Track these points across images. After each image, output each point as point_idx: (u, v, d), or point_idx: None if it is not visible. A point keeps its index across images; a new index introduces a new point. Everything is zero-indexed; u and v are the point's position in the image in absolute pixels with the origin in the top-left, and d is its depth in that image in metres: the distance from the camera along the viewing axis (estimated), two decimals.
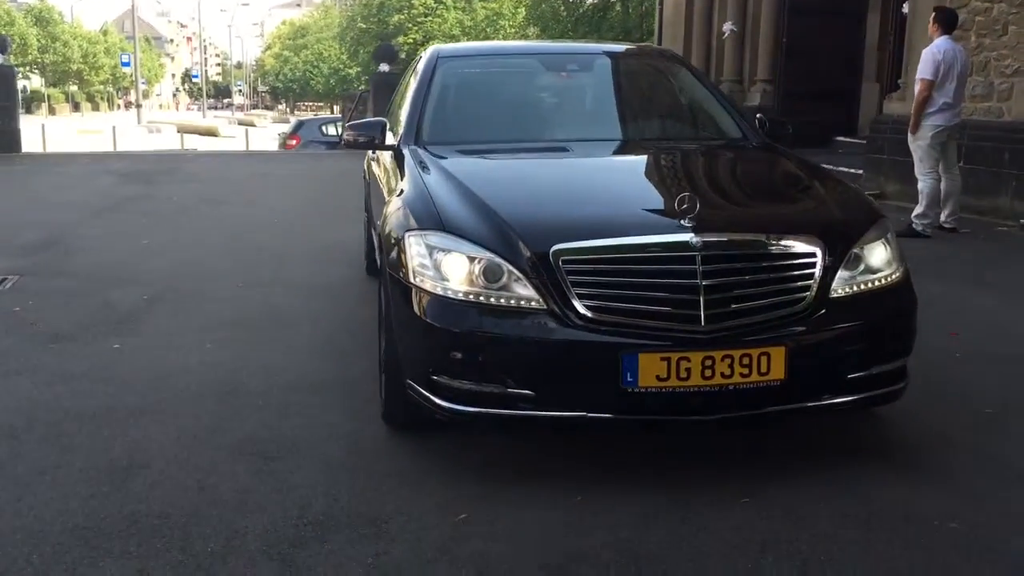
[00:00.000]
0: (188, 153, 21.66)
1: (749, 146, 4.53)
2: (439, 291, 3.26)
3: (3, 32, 57.08)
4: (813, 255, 3.30)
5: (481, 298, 3.21)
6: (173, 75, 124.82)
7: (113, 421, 3.86)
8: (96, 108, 77.82)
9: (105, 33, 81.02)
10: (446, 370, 3.24)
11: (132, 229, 8.78)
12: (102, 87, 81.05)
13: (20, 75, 67.86)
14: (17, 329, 5.32)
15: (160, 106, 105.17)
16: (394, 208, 3.75)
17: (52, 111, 66.43)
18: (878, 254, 3.50)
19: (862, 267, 3.44)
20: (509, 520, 3.01)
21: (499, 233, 3.29)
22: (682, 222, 3.23)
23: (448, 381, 3.24)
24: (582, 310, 3.13)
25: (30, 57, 64.90)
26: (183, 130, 37.10)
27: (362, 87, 41.87)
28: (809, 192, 3.85)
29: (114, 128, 28.08)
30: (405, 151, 4.29)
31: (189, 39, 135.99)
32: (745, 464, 3.45)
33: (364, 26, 55.41)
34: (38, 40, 64.29)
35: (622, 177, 4.05)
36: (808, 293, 3.26)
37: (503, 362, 3.20)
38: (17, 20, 61.88)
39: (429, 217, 3.47)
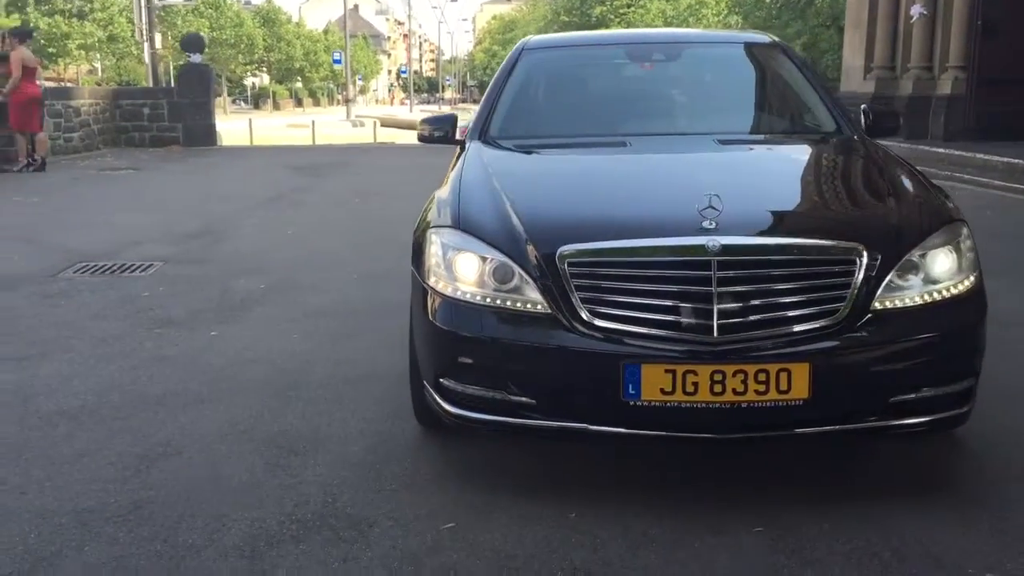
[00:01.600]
0: (370, 146, 22.41)
1: (834, 141, 4.14)
2: (449, 291, 3.16)
3: (236, 33, 61.73)
4: (851, 262, 2.96)
5: (488, 300, 3.09)
6: (389, 71, 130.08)
7: (171, 407, 4.00)
8: (317, 103, 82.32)
9: (326, 32, 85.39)
10: (453, 374, 3.15)
11: (282, 220, 9.19)
12: (322, 83, 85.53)
13: (248, 73, 73.20)
14: (135, 314, 5.64)
15: (376, 101, 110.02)
16: (429, 204, 3.69)
17: (277, 106, 70.83)
18: (941, 262, 3.11)
19: (920, 276, 3.06)
20: (496, 533, 2.88)
21: (511, 233, 3.15)
22: (703, 224, 2.98)
23: (454, 385, 3.14)
24: (586, 316, 2.95)
25: (257, 56, 69.32)
26: (385, 124, 38.53)
27: None
28: (871, 192, 3.45)
29: (313, 123, 29.51)
30: (469, 145, 4.22)
31: (405, 36, 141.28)
32: (760, 487, 3.16)
33: (567, 19, 55.85)
34: (264, 40, 68.51)
35: (665, 175, 3.78)
36: (842, 304, 2.93)
37: (506, 368, 3.06)
38: (246, 21, 66.25)
39: (451, 214, 3.37)
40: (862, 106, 4.54)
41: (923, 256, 3.08)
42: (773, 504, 3.02)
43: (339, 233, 8.46)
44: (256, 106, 69.72)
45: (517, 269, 3.07)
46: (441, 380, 3.18)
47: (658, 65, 4.81)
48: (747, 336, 2.89)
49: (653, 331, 2.90)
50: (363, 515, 3.00)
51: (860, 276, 2.95)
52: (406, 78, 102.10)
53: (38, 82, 13.43)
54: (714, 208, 3.00)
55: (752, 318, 2.89)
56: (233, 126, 27.23)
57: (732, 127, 4.34)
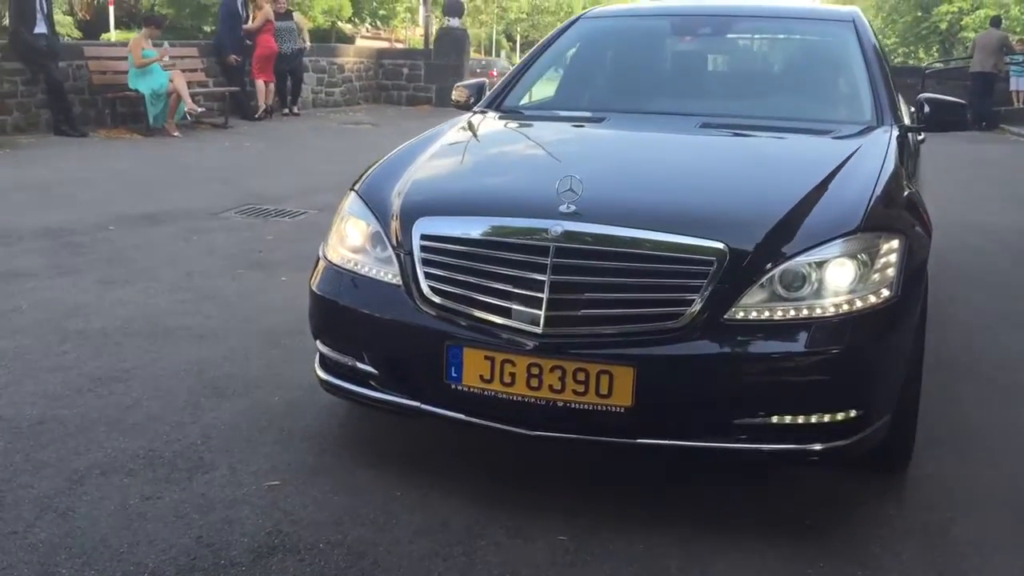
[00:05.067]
0: None
1: (842, 134, 3.63)
2: (325, 253, 3.20)
3: (557, 2, 62.92)
4: (706, 263, 2.65)
5: (351, 265, 3.07)
6: None
7: (164, 339, 4.31)
8: None
9: None
10: (323, 338, 3.18)
11: None
12: None
13: None
14: (240, 254, 6.08)
15: None
16: None
17: None
18: (839, 275, 2.69)
19: (809, 287, 2.68)
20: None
21: (390, 203, 3.10)
22: (560, 208, 2.79)
23: (325, 350, 3.17)
24: (427, 291, 2.85)
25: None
26: None
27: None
28: (791, 191, 2.97)
29: None
30: (470, 113, 4.19)
31: None
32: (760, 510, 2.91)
33: None
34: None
35: (598, 156, 3.50)
36: (687, 309, 2.63)
37: (357, 336, 3.05)
38: None
39: (364, 179, 3.38)
40: (920, 96, 3.96)
41: (819, 265, 2.69)
42: (770, 532, 2.79)
43: None
44: None
45: (385, 238, 3.03)
46: (317, 343, 3.21)
47: (704, 40, 4.45)
48: (573, 331, 2.68)
49: (483, 315, 2.76)
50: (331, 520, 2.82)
51: (715, 280, 2.63)
52: None
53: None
54: (573, 191, 2.79)
55: (582, 312, 2.67)
56: None
57: (748, 111, 3.94)
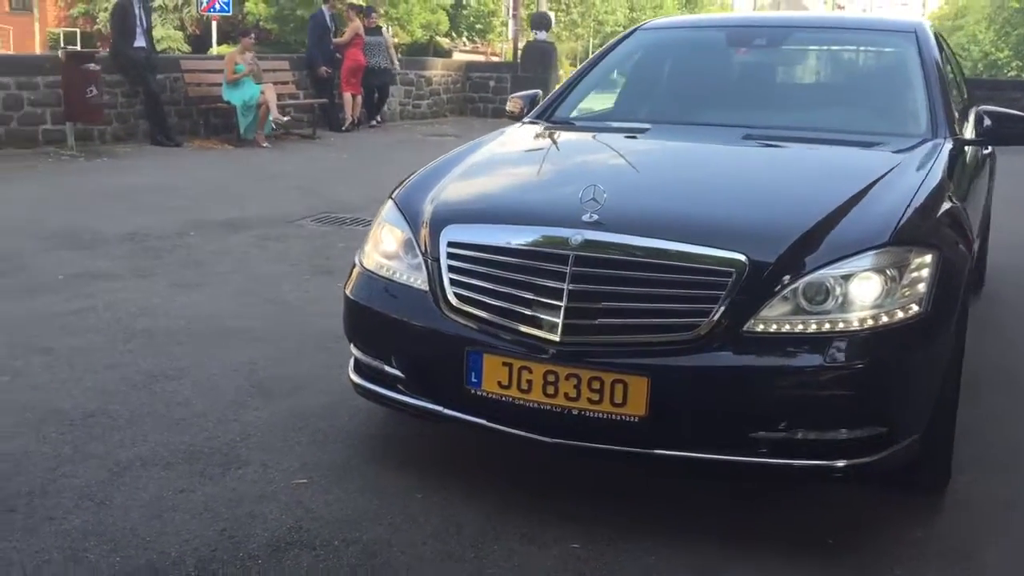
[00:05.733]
0: None
1: (890, 146, 3.55)
2: (359, 260, 3.29)
3: (656, 14, 62.34)
4: (725, 274, 2.63)
5: (384, 271, 3.15)
6: None
7: (216, 342, 4.46)
8: None
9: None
10: (356, 343, 3.26)
11: None
12: None
13: None
14: (308, 260, 6.25)
15: None
16: None
17: None
18: (865, 289, 2.65)
19: (834, 301, 2.64)
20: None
21: (422, 210, 3.17)
22: (583, 217, 2.81)
23: (358, 354, 3.25)
24: (451, 298, 2.91)
25: None
26: None
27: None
28: (820, 202, 2.91)
29: None
30: (525, 121, 4.25)
31: None
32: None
33: (1018, 5, 50.34)
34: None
35: (629, 166, 3.48)
36: (704, 319, 2.61)
37: (386, 340, 3.12)
38: (666, 3, 67.05)
39: (400, 186, 3.45)
40: (979, 108, 3.85)
41: (844, 278, 2.65)
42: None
43: None
44: None
45: (415, 245, 3.09)
46: (351, 348, 3.29)
47: (759, 52, 4.41)
48: (591, 340, 2.69)
49: (504, 321, 2.80)
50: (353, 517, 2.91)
51: (734, 291, 2.61)
52: None
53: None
54: (596, 200, 2.81)
55: (600, 321, 2.69)
56: None
57: (791, 123, 3.88)
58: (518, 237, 2.87)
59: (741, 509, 2.97)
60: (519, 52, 19.46)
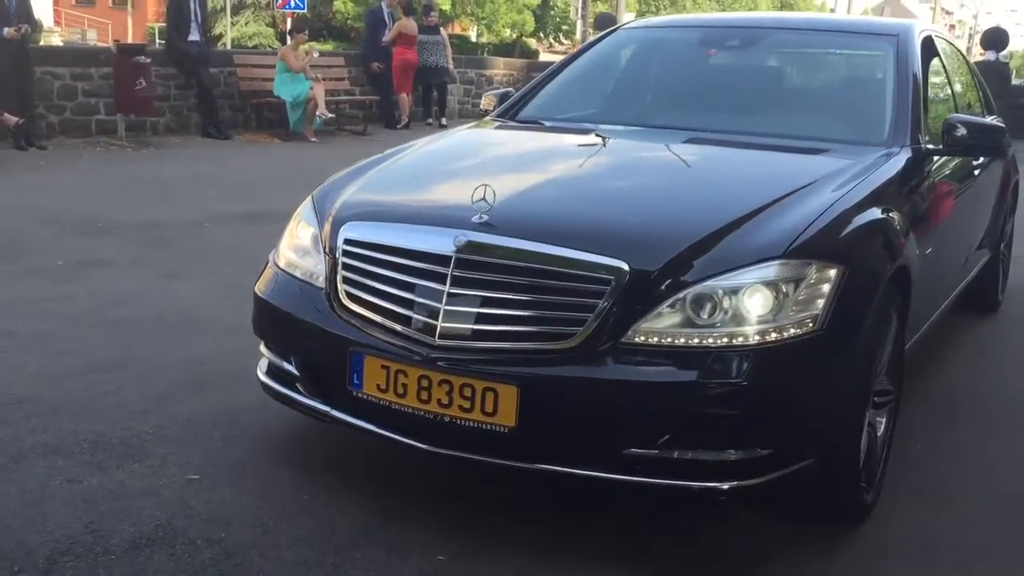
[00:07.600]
0: None
1: (839, 155, 3.33)
2: (272, 257, 3.23)
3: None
4: (603, 282, 2.49)
5: (290, 268, 3.09)
6: None
7: (212, 335, 4.47)
8: None
9: None
10: (264, 341, 3.20)
11: None
12: None
13: None
14: None
15: None
16: None
17: None
18: (755, 302, 2.49)
19: (723, 314, 2.48)
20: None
21: (328, 208, 3.10)
22: (473, 218, 2.70)
23: (266, 352, 3.19)
24: (343, 297, 2.84)
25: None
26: None
27: None
28: (722, 209, 2.74)
29: None
30: (488, 120, 4.17)
31: (952, 27, 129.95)
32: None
33: None
34: None
35: (540, 167, 3.34)
36: (579, 328, 2.48)
37: (285, 339, 3.07)
38: (761, 3, 65.79)
39: (321, 186, 3.39)
40: (949, 116, 3.61)
41: (735, 291, 2.49)
42: None
43: None
44: None
45: (320, 243, 3.03)
46: (261, 347, 3.24)
47: (731, 53, 4.22)
48: (466, 345, 2.59)
49: (386, 322, 2.72)
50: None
51: (613, 300, 2.47)
52: None
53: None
54: (486, 201, 2.70)
55: (476, 326, 2.58)
56: None
57: (744, 126, 3.66)
58: (407, 236, 2.78)
59: (623, 525, 2.81)
60: None
